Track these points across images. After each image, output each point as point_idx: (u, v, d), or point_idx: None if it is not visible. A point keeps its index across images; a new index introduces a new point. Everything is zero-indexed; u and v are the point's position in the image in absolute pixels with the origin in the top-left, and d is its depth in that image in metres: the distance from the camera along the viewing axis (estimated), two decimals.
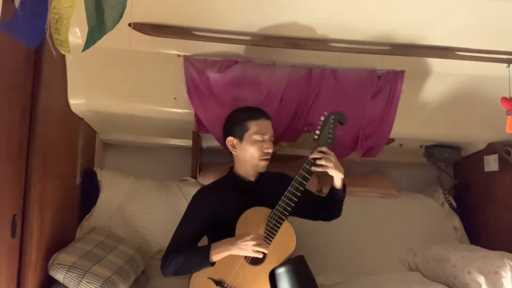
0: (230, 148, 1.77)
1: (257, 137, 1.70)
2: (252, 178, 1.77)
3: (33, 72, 1.60)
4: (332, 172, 1.68)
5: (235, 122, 1.75)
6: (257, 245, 1.55)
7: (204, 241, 1.75)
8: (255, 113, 1.75)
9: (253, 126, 1.71)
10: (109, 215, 2.12)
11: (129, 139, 2.49)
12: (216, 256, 1.58)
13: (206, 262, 1.58)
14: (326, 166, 1.65)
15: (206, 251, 1.59)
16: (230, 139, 1.76)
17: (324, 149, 1.67)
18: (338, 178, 1.74)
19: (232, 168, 1.83)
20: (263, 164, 1.73)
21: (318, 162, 1.65)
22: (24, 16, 1.06)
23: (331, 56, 1.96)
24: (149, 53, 1.96)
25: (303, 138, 2.16)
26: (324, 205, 1.85)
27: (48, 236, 1.71)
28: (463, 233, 2.46)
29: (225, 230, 1.65)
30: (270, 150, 1.73)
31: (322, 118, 1.71)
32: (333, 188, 1.79)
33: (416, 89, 2.15)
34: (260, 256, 1.58)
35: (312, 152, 1.67)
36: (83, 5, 1.10)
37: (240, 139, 1.73)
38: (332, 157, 1.66)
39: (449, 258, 2.04)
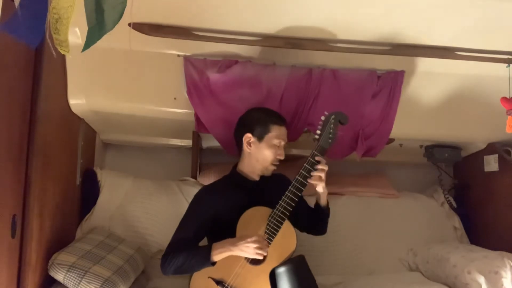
0: (244, 144, 1.77)
1: (276, 142, 1.73)
2: (257, 178, 1.79)
3: (33, 72, 1.60)
4: (320, 187, 1.70)
5: (257, 121, 1.76)
6: (259, 247, 1.55)
7: (203, 242, 1.75)
8: (279, 118, 1.79)
9: (275, 130, 1.74)
10: (109, 215, 2.12)
11: (129, 139, 2.49)
12: (217, 256, 1.58)
13: (207, 262, 1.58)
14: (320, 178, 1.66)
15: (207, 251, 1.59)
16: (248, 136, 1.76)
17: (320, 159, 1.68)
18: (323, 196, 1.76)
19: (235, 166, 1.83)
20: (272, 168, 1.76)
21: (315, 170, 1.66)
22: (24, 16, 1.06)
23: (331, 56, 1.96)
24: (149, 53, 1.96)
25: (303, 138, 2.16)
26: (311, 219, 1.86)
27: (48, 236, 1.71)
28: (463, 233, 2.46)
29: (226, 230, 1.65)
30: (283, 157, 1.76)
31: (323, 118, 1.72)
32: (317, 205, 1.81)
33: (416, 89, 2.15)
34: (261, 258, 1.58)
35: (312, 152, 1.68)
36: (83, 5, 1.10)
37: (259, 138, 1.74)
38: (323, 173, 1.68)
39: (449, 258, 2.03)
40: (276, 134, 1.74)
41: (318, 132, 1.71)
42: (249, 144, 1.76)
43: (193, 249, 1.63)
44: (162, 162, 2.63)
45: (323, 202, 1.78)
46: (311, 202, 1.86)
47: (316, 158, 1.67)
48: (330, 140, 1.69)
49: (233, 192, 1.76)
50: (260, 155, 1.74)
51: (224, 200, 1.74)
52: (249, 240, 1.55)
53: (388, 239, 2.33)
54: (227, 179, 1.85)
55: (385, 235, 2.33)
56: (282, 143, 1.76)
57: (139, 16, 1.73)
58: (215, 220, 1.71)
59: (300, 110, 2.08)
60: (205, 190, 1.83)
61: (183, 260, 1.60)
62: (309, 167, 1.66)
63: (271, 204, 1.67)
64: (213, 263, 1.59)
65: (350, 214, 2.34)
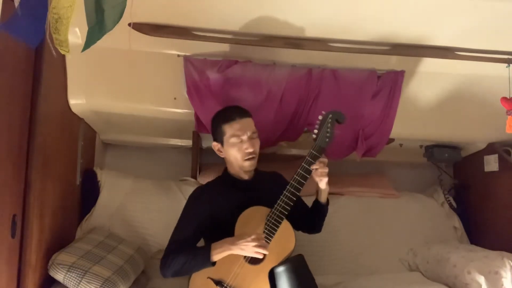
0: (217, 152, 1.77)
1: (234, 140, 1.69)
2: (246, 177, 1.77)
3: (33, 72, 1.60)
4: (322, 183, 1.68)
5: (214, 127, 1.76)
6: (258, 246, 1.54)
7: (200, 243, 1.76)
8: (229, 114, 1.71)
9: (228, 130, 1.69)
10: (109, 215, 2.12)
11: (129, 139, 2.49)
12: (216, 256, 1.58)
13: (207, 262, 1.58)
14: (320, 173, 1.65)
15: (207, 251, 1.58)
16: (214, 144, 1.77)
17: (322, 160, 1.67)
18: (324, 192, 1.74)
19: (226, 168, 1.83)
20: (247, 164, 1.71)
21: (313, 166, 1.65)
22: (24, 16, 1.06)
23: (331, 56, 1.96)
24: (149, 53, 1.97)
25: (303, 138, 2.16)
26: (308, 217, 1.84)
27: (48, 236, 1.71)
28: (463, 233, 2.46)
29: (223, 230, 1.64)
30: (251, 150, 1.68)
31: (320, 118, 1.71)
32: (317, 202, 1.79)
33: (416, 89, 2.15)
34: (260, 256, 1.58)
35: (310, 152, 1.67)
36: (83, 5, 1.11)
37: (222, 143, 1.73)
38: (326, 169, 1.67)
39: (449, 258, 2.03)
40: (231, 133, 1.68)
41: (316, 131, 1.71)
42: (219, 151, 1.76)
43: (192, 250, 1.62)
44: (162, 162, 2.63)
45: (323, 199, 1.76)
46: (311, 202, 1.86)
47: (319, 159, 1.67)
48: (327, 139, 1.68)
49: (229, 192, 1.75)
50: (231, 157, 1.72)
51: (221, 199, 1.73)
52: (248, 238, 1.55)
53: (388, 239, 2.33)
54: (220, 179, 1.84)
55: (385, 235, 2.33)
56: (244, 137, 1.68)
57: (139, 16, 1.73)
58: (212, 220, 1.70)
59: (300, 110, 2.08)
60: (200, 190, 1.82)
61: (183, 262, 1.59)
62: (307, 166, 1.66)
63: (268, 204, 1.67)
64: (213, 263, 1.59)
65: (350, 214, 2.34)
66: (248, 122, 1.72)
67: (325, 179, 1.67)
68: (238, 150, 1.69)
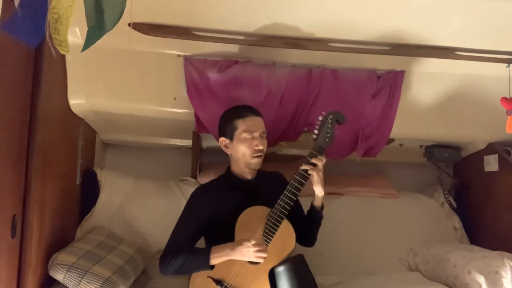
0: (223, 148, 1.78)
1: (245, 135, 1.71)
2: (249, 177, 1.77)
3: (33, 72, 1.60)
4: (315, 186, 1.68)
5: (224, 122, 1.77)
6: (259, 251, 1.54)
7: (201, 241, 1.76)
8: (243, 111, 1.75)
9: (241, 125, 1.72)
10: (109, 215, 2.12)
11: (129, 139, 2.49)
12: (215, 260, 1.58)
13: (205, 265, 1.58)
14: (312, 176, 1.66)
15: (206, 254, 1.58)
16: (222, 140, 1.77)
17: (317, 160, 1.66)
18: (318, 194, 1.72)
19: (229, 167, 1.83)
20: (255, 161, 1.73)
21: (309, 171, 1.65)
22: (24, 16, 1.06)
23: (331, 56, 1.97)
24: (149, 53, 1.97)
25: (303, 138, 2.16)
26: (303, 222, 1.81)
27: (48, 236, 1.71)
28: (463, 233, 2.46)
29: (223, 229, 1.65)
30: (261, 147, 1.71)
31: (320, 118, 1.72)
32: (312, 208, 1.77)
33: (416, 89, 2.15)
34: (261, 261, 1.57)
35: (310, 152, 1.68)
36: (82, 5, 1.10)
37: (231, 138, 1.74)
38: (320, 171, 1.66)
39: (449, 258, 2.03)
40: (244, 128, 1.71)
41: (316, 131, 1.71)
42: (226, 147, 1.77)
43: (192, 252, 1.63)
44: (162, 162, 2.63)
45: (317, 202, 1.75)
46: (310, 202, 1.85)
47: (312, 160, 1.66)
48: (327, 140, 1.69)
49: (229, 192, 1.75)
50: (238, 153, 1.73)
51: (221, 199, 1.73)
52: (248, 244, 1.54)
53: (388, 239, 2.32)
54: (222, 178, 1.85)
55: (385, 235, 2.33)
56: (256, 134, 1.71)
57: (139, 16, 1.73)
58: (212, 219, 1.70)
59: (300, 110, 2.08)
60: (201, 189, 1.83)
61: (182, 263, 1.60)
62: (307, 166, 1.66)
63: (268, 203, 1.67)
64: (212, 267, 1.59)
65: (350, 214, 2.34)
66: (260, 121, 1.75)
67: (319, 183, 1.67)
68: (248, 146, 1.70)
